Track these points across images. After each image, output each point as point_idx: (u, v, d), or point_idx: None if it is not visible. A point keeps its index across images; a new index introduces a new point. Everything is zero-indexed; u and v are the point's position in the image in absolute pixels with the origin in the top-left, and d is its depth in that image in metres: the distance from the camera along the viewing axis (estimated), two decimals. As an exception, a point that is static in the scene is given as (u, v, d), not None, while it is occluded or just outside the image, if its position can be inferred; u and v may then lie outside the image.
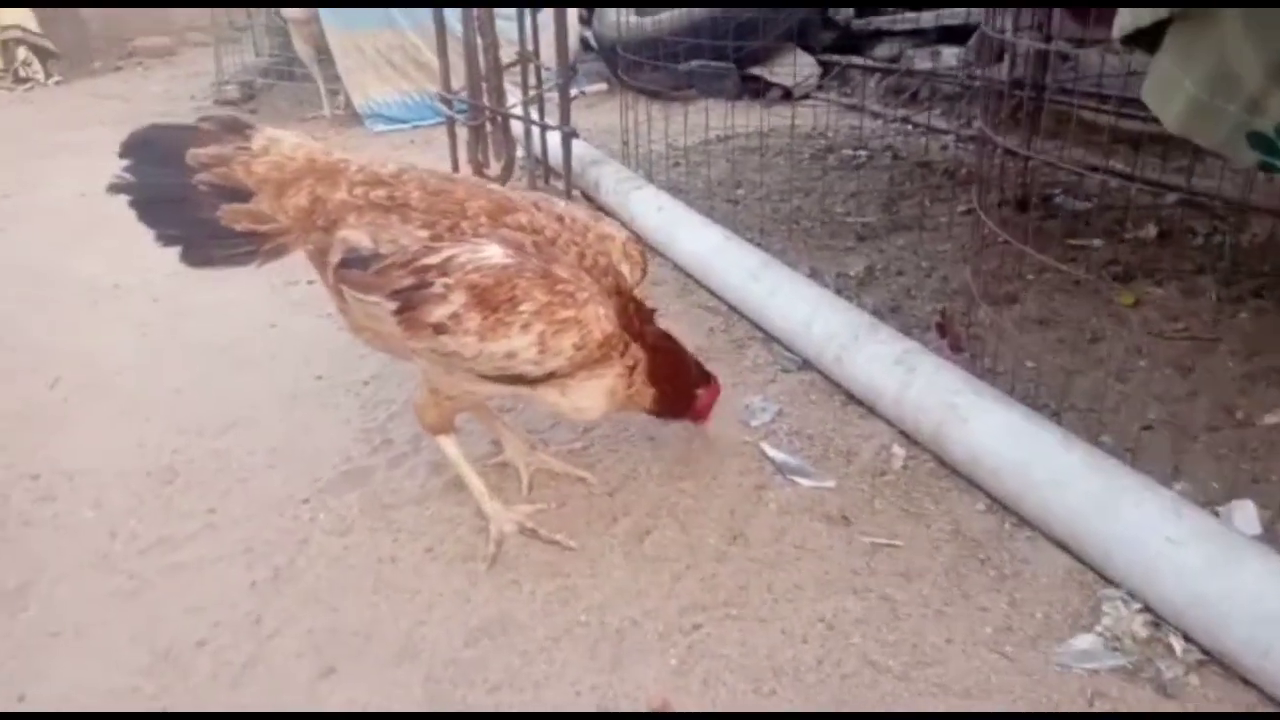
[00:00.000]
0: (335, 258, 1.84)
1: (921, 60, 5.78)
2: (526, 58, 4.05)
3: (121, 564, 2.04)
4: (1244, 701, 1.59)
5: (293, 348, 3.00)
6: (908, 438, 2.34)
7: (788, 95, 6.05)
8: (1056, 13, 3.30)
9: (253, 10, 7.55)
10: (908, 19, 6.13)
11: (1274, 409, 2.35)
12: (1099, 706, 1.60)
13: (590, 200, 4.16)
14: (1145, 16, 1.56)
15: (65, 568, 2.03)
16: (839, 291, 3.00)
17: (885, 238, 3.68)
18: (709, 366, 2.22)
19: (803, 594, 1.89)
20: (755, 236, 3.60)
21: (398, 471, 2.33)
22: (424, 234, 1.80)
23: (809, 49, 6.31)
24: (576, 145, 3.98)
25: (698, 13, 5.95)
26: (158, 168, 1.88)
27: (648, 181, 3.99)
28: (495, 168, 4.09)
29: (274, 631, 1.84)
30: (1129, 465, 1.95)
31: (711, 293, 3.24)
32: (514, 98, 4.18)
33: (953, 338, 2.73)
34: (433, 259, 1.75)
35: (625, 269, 2.03)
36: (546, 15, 4.03)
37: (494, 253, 1.77)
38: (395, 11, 5.98)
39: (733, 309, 3.11)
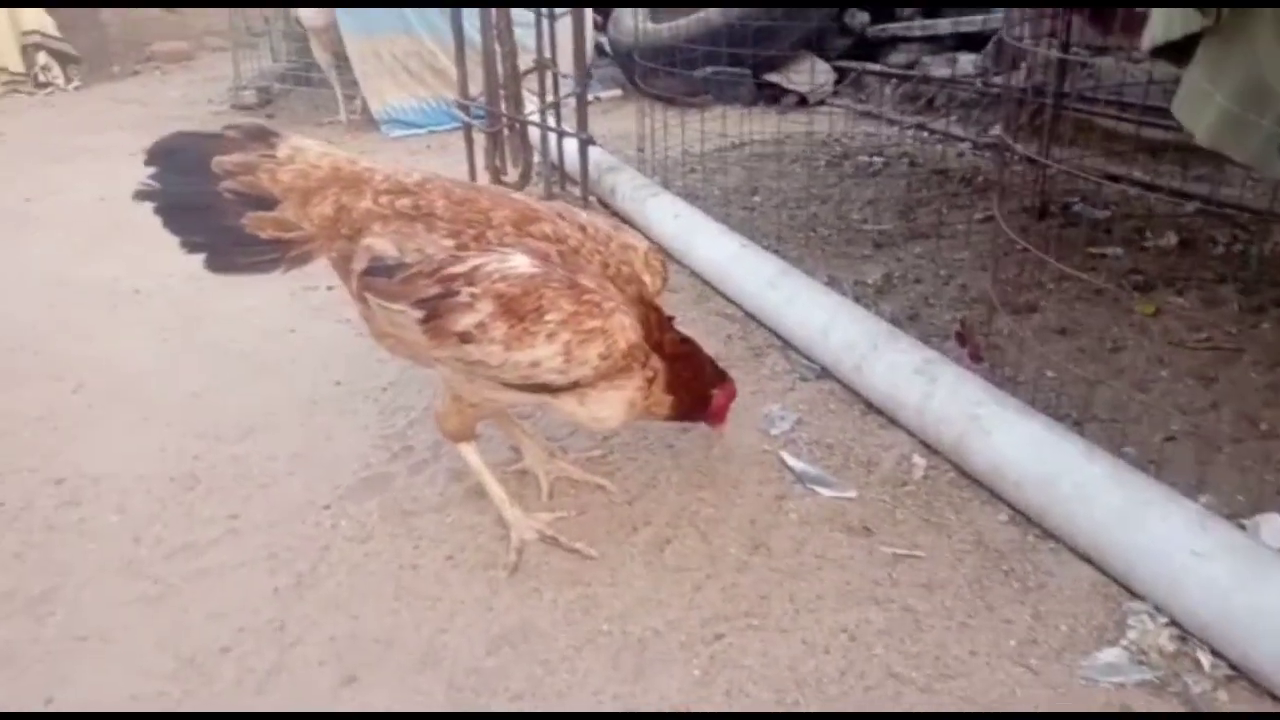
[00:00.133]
0: (360, 265, 1.85)
1: (938, 67, 5.77)
2: (544, 64, 4.06)
3: (146, 569, 2.05)
4: None
5: (311, 353, 3.01)
6: (928, 447, 2.33)
7: (803, 102, 6.06)
8: (1076, 20, 3.29)
9: (270, 16, 7.60)
10: (924, 25, 6.13)
11: (1298, 421, 2.33)
12: (1125, 721, 1.59)
13: (606, 206, 4.17)
14: (1176, 29, 1.55)
15: (90, 572, 2.04)
16: (857, 299, 3.00)
17: (902, 245, 3.67)
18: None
19: (824, 604, 1.88)
20: (772, 244, 3.60)
21: (418, 478, 2.33)
22: (449, 243, 1.81)
23: (824, 56, 6.32)
24: (592, 152, 3.99)
25: (714, 19, 5.96)
26: (183, 175, 1.89)
27: (664, 188, 4.00)
28: (512, 174, 4.10)
29: (297, 638, 1.85)
30: (1153, 477, 1.94)
31: (728, 300, 3.24)
32: (531, 104, 4.19)
33: (972, 347, 2.72)
34: (459, 268, 1.76)
35: (647, 278, 2.03)
36: (563, 22, 4.04)
37: (521, 262, 1.78)
38: (412, 18, 6.02)
39: (750, 316, 3.11)
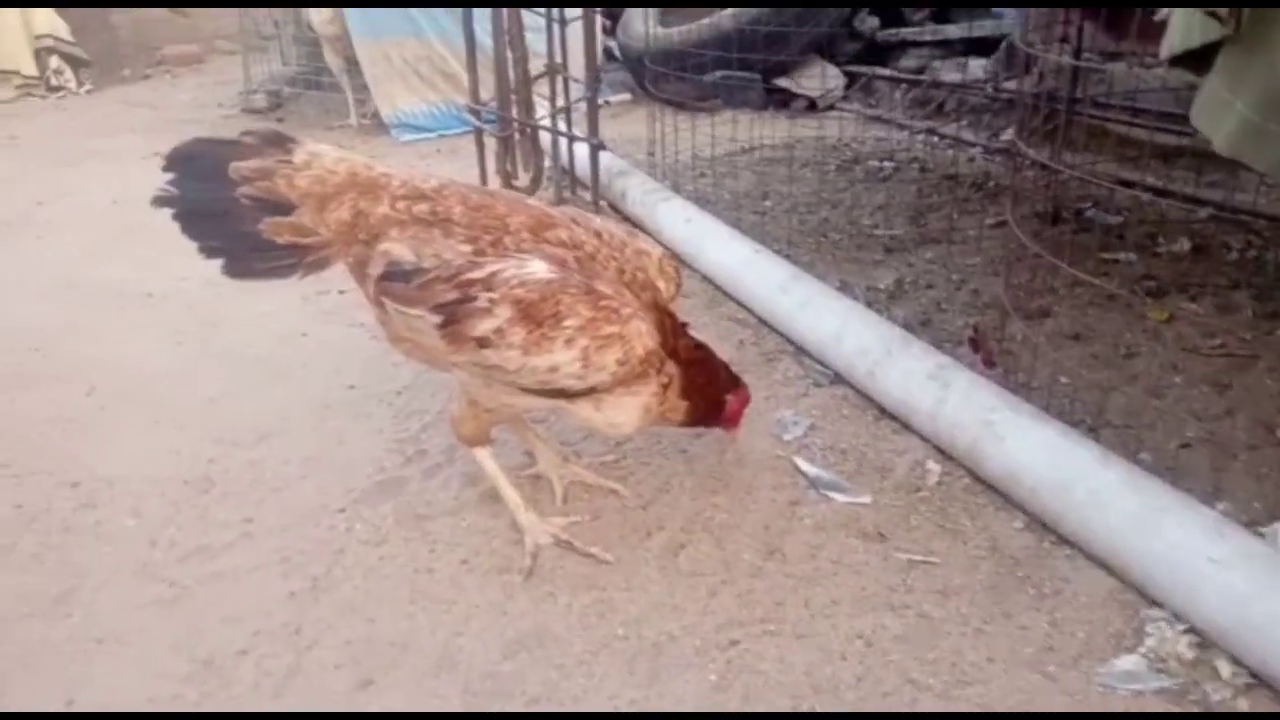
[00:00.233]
0: (377, 271, 1.85)
1: (948, 72, 5.77)
2: (555, 69, 4.07)
3: (161, 572, 2.06)
4: (1293, 726, 1.58)
5: (324, 357, 3.02)
6: (942, 453, 2.33)
7: (813, 106, 6.06)
8: (1088, 25, 3.29)
9: (280, 19, 7.62)
10: (934, 30, 6.13)
11: (1315, 428, 2.32)
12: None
13: (617, 211, 4.18)
14: (1195, 37, 1.55)
15: (107, 575, 2.05)
16: (869, 305, 3.00)
17: (914, 250, 3.67)
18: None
19: (840, 610, 1.88)
20: (783, 248, 3.60)
21: (432, 482, 2.34)
22: (467, 249, 1.82)
23: (834, 60, 6.32)
24: (603, 156, 3.99)
25: (724, 24, 5.97)
26: (201, 181, 1.90)
27: (674, 193, 4.00)
28: (523, 179, 4.11)
29: (312, 641, 1.85)
30: (1168, 484, 1.93)
31: (740, 305, 3.24)
32: (542, 109, 4.20)
33: (985, 352, 2.72)
34: (477, 273, 1.77)
35: (661, 284, 2.03)
36: (573, 27, 4.05)
37: (538, 268, 1.79)
38: (422, 22, 6.04)
39: (762, 322, 3.11)
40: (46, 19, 7.93)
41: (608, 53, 7.22)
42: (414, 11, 6.01)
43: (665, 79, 5.27)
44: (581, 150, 4.07)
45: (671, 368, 1.97)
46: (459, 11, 4.22)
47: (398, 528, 2.18)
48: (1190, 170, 3.56)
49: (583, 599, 1.94)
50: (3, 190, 5.17)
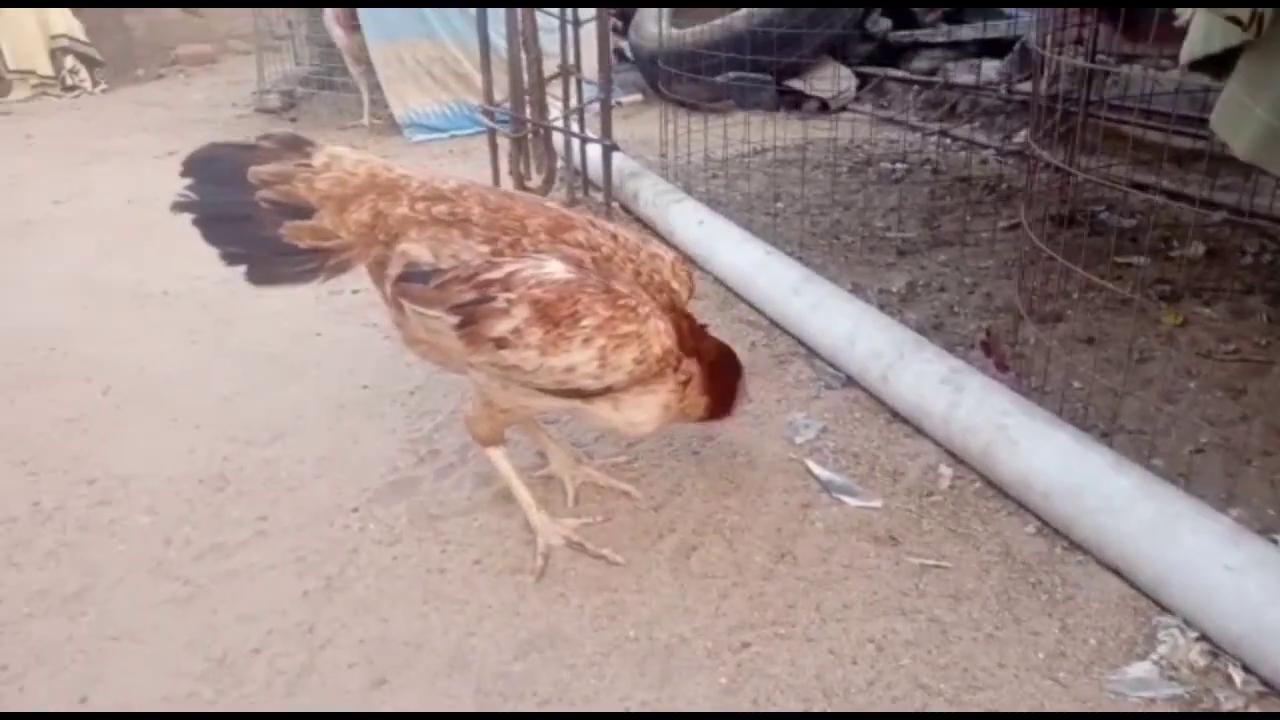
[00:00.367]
0: (395, 271, 1.86)
1: (961, 73, 5.76)
2: (568, 71, 4.08)
3: (176, 570, 2.07)
4: (1306, 735, 1.57)
5: (338, 356, 3.04)
6: (955, 457, 2.32)
7: (825, 108, 6.06)
8: (1104, 27, 3.28)
9: (294, 20, 7.66)
10: (947, 31, 6.11)
11: (1330, 434, 2.31)
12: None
13: (628, 212, 4.19)
14: (1215, 43, 1.55)
15: (122, 573, 2.07)
16: (881, 307, 2.99)
17: (926, 253, 3.66)
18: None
19: (851, 614, 1.88)
20: (795, 250, 3.60)
21: (445, 482, 2.35)
22: (485, 249, 1.82)
23: (847, 62, 6.31)
24: (615, 157, 4.00)
25: (737, 25, 5.97)
26: (220, 186, 1.90)
27: (686, 194, 4.00)
28: (536, 180, 4.12)
29: (326, 641, 1.87)
30: (1182, 489, 1.93)
31: (752, 306, 3.25)
32: (555, 110, 4.21)
33: (998, 356, 2.71)
34: (495, 273, 1.77)
35: (675, 287, 2.04)
36: (587, 28, 4.06)
37: (556, 268, 1.79)
38: (435, 23, 6.07)
39: (774, 324, 3.11)
40: (63, 19, 8.00)
41: (619, 53, 7.24)
42: (428, 13, 6.04)
43: (677, 80, 5.27)
44: (594, 151, 4.08)
45: (691, 365, 1.98)
46: (472, 13, 4.24)
47: (411, 527, 2.19)
48: (1205, 174, 3.54)
49: (594, 600, 1.94)
50: (20, 189, 5.22)
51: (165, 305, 3.52)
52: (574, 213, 2.02)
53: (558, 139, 4.23)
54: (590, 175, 4.36)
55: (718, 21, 6.14)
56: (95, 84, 8.21)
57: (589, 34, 4.08)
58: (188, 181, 1.91)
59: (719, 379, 2.06)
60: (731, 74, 5.79)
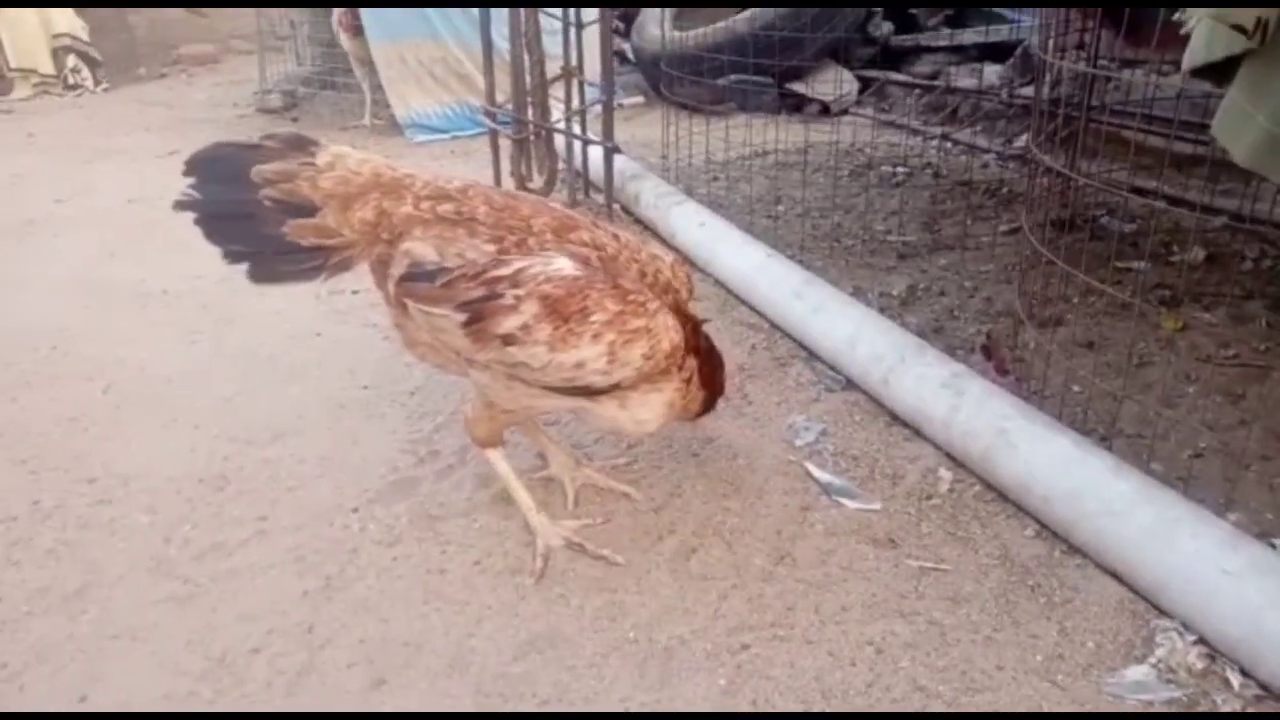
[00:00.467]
0: (399, 271, 1.86)
1: (962, 77, 5.77)
2: (570, 73, 4.09)
3: (176, 569, 2.07)
4: (1303, 739, 1.57)
5: (338, 357, 3.04)
6: (955, 461, 2.33)
7: (826, 111, 6.07)
8: (1106, 33, 3.28)
9: (296, 20, 7.68)
10: (949, 35, 6.12)
11: (1329, 439, 2.32)
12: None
13: (629, 214, 4.19)
14: (1218, 50, 1.55)
15: (122, 571, 2.07)
16: (881, 311, 3.00)
17: (927, 257, 3.67)
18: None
19: (850, 616, 1.88)
20: (796, 253, 3.61)
21: (445, 483, 2.35)
22: (491, 248, 1.83)
23: (848, 65, 6.32)
24: (617, 159, 4.00)
25: (739, 27, 5.99)
26: (223, 184, 1.90)
27: (688, 196, 4.01)
28: (537, 181, 4.12)
29: (326, 640, 1.87)
30: (1181, 494, 1.93)
31: (753, 309, 3.25)
32: (557, 112, 4.22)
33: (998, 360, 2.72)
34: (503, 271, 1.77)
35: (675, 289, 2.04)
36: (589, 30, 4.07)
37: (564, 265, 1.79)
38: (438, 24, 6.07)
39: (775, 326, 3.11)
40: (65, 18, 8.02)
41: (621, 56, 7.25)
42: (430, 14, 6.05)
43: (679, 82, 5.28)
44: (595, 153, 4.08)
45: (690, 361, 1.99)
46: (475, 14, 4.25)
47: (411, 528, 2.19)
48: (1206, 179, 3.55)
49: (594, 601, 1.95)
50: (21, 188, 5.22)
51: (166, 305, 3.52)
52: (577, 213, 2.02)
53: (559, 140, 4.24)
54: (591, 177, 4.37)
55: (720, 24, 6.15)
56: (97, 83, 8.22)
57: (591, 36, 4.09)
58: (190, 180, 1.91)
59: (713, 374, 2.07)
60: (733, 77, 5.80)
